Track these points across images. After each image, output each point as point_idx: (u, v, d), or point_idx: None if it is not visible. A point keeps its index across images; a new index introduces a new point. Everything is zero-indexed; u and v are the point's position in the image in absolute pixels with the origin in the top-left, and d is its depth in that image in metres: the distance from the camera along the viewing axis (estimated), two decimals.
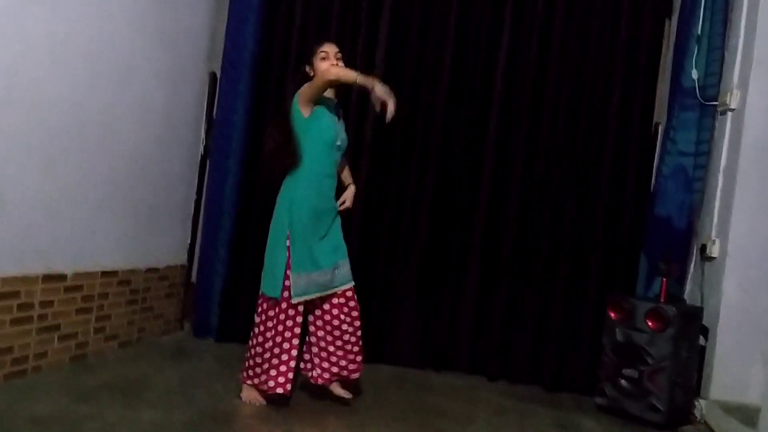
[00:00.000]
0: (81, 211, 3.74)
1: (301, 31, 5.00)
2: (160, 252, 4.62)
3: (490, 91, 4.92)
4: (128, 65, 4.07)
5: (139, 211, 4.32)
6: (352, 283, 3.70)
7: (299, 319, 3.56)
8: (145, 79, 4.25)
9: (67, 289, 3.66)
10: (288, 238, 3.52)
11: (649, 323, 4.11)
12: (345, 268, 3.67)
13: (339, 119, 3.70)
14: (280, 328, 3.54)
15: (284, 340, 3.53)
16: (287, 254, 3.51)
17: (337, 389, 3.73)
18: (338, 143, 3.63)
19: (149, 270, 4.48)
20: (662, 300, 4.28)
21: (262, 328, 3.60)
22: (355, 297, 3.72)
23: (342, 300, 3.65)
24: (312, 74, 3.59)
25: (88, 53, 3.70)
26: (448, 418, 3.77)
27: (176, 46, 4.59)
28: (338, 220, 3.73)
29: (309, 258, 3.53)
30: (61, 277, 3.61)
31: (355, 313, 3.69)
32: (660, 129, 4.91)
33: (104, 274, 3.97)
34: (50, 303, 3.55)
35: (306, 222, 3.53)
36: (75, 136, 3.65)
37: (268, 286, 3.58)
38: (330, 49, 3.60)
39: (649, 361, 4.08)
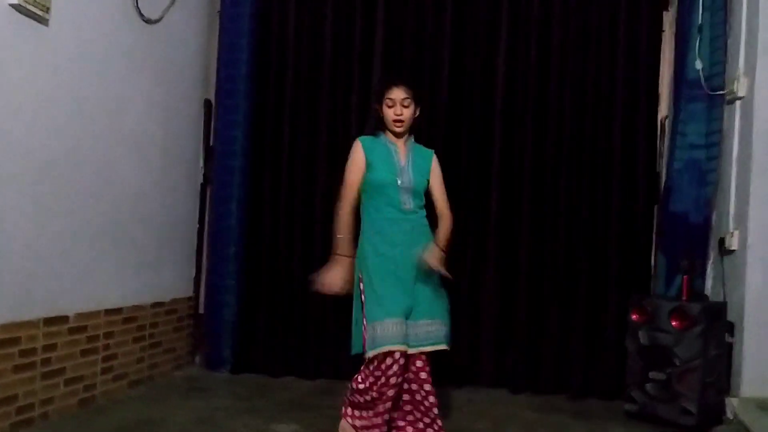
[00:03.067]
0: (80, 251, 3.64)
1: (295, 56, 4.92)
2: (165, 285, 4.51)
3: (491, 98, 4.82)
4: (121, 100, 3.99)
5: (141, 245, 4.21)
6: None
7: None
8: (139, 113, 4.17)
9: (70, 331, 3.55)
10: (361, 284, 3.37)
11: (674, 323, 3.96)
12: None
13: (407, 161, 3.45)
14: None
15: None
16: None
17: None
18: (400, 184, 3.38)
19: (155, 304, 4.37)
20: (685, 298, 4.14)
21: None
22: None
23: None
24: (380, 115, 3.45)
25: (78, 92, 3.61)
26: None
27: (169, 77, 4.50)
28: (430, 279, 3.40)
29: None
30: (63, 319, 3.50)
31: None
32: (667, 123, 4.79)
33: (108, 312, 3.86)
34: (53, 346, 3.43)
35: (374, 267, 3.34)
36: (70, 176, 3.56)
37: None
38: (397, 95, 3.39)
39: (677, 362, 3.93)
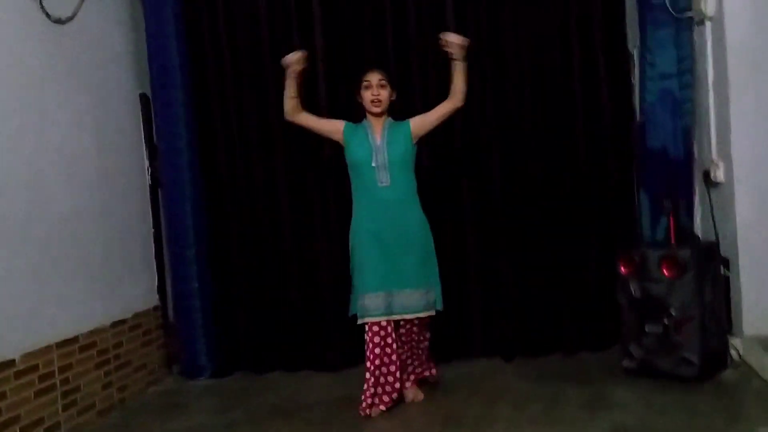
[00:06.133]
0: (18, 286, 3.35)
1: (229, 34, 4.58)
2: (124, 301, 4.22)
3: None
4: (43, 113, 3.66)
5: (89, 265, 3.92)
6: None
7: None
8: (66, 122, 3.83)
9: (18, 375, 3.26)
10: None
11: (665, 271, 3.71)
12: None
13: (382, 139, 3.71)
14: None
15: None
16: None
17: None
18: (374, 164, 3.66)
19: (115, 324, 4.10)
20: (673, 242, 3.88)
21: None
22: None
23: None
24: (360, 100, 3.76)
25: None
26: (466, 424, 3.42)
27: (95, 79, 4.14)
28: (417, 249, 3.71)
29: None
30: (8, 364, 3.22)
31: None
32: (635, 54, 4.46)
33: (60, 344, 3.58)
34: (2, 395, 3.16)
35: (361, 244, 3.71)
36: None
37: None
38: (373, 78, 3.71)
39: (673, 312, 3.70)
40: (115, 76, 4.39)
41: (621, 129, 4.45)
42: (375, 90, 3.70)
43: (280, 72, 4.50)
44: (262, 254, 4.62)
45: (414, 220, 3.73)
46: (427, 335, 3.88)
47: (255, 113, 4.59)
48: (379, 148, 3.69)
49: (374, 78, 3.71)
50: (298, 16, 4.51)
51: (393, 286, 3.62)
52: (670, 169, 4.26)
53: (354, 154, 3.72)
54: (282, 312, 4.61)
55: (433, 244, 3.80)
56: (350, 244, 3.78)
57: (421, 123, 3.76)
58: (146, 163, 4.66)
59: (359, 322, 3.65)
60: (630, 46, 4.52)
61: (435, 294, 3.76)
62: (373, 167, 3.67)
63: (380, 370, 3.62)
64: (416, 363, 3.87)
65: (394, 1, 4.49)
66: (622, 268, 3.89)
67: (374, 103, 3.70)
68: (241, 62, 4.58)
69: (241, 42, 4.59)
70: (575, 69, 4.45)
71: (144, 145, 4.64)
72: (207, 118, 4.60)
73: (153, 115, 4.62)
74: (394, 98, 3.78)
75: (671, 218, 3.98)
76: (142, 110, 4.64)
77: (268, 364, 4.61)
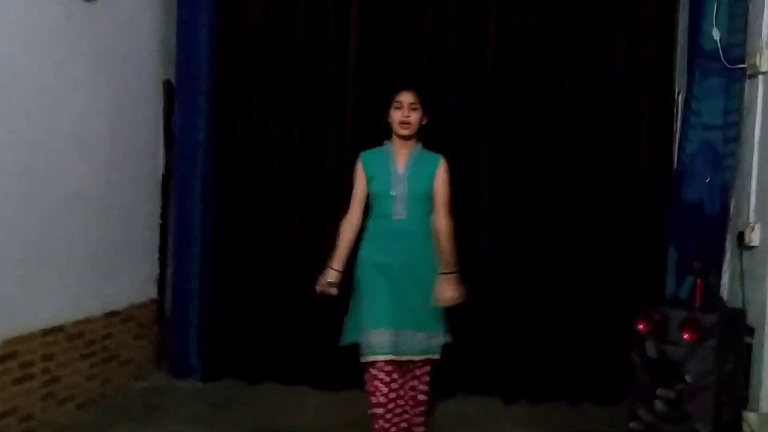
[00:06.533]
0: (6, 270, 3.21)
1: (261, 32, 4.43)
2: (120, 292, 4.09)
3: (482, 74, 4.31)
4: (57, 92, 3.54)
5: (87, 252, 3.79)
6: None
7: None
8: (80, 104, 3.71)
9: None
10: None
11: (685, 335, 3.50)
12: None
13: (406, 168, 3.46)
14: None
15: None
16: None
17: None
18: (393, 193, 3.41)
19: (108, 315, 3.96)
20: (698, 305, 3.67)
21: None
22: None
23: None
24: (388, 121, 3.48)
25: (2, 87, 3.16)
26: None
27: (117, 60, 4.02)
28: (425, 287, 3.44)
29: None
30: None
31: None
32: (680, 100, 4.26)
33: (46, 332, 3.44)
34: None
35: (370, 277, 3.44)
36: None
37: None
38: (405, 99, 3.43)
39: (688, 378, 3.48)
40: (140, 60, 4.27)
41: (657, 176, 4.25)
42: (406, 111, 3.41)
43: (309, 76, 4.41)
44: (267, 260, 4.47)
45: (425, 256, 3.46)
46: (425, 388, 3.55)
47: (278, 115, 4.45)
48: (401, 177, 3.44)
49: (406, 99, 3.43)
50: (334, 21, 4.37)
51: (399, 325, 3.36)
52: (704, 225, 4.03)
53: (375, 184, 3.47)
54: (281, 322, 4.44)
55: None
56: (356, 272, 3.50)
57: (435, 187, 3.47)
58: (162, 152, 4.52)
59: (364, 359, 3.35)
60: (676, 91, 4.33)
61: (438, 340, 3.49)
62: (392, 196, 3.43)
63: (394, 403, 3.39)
64: (405, 417, 3.54)
65: (436, 21, 4.33)
66: (641, 325, 3.67)
67: (403, 125, 3.42)
68: (270, 61, 4.44)
69: (273, 40, 4.45)
70: (616, 107, 4.28)
71: (162, 131, 4.51)
72: (228, 113, 4.46)
73: (176, 107, 4.48)
74: (425, 122, 3.50)
75: (699, 281, 3.76)
76: (164, 97, 4.51)
77: (260, 374, 4.45)
